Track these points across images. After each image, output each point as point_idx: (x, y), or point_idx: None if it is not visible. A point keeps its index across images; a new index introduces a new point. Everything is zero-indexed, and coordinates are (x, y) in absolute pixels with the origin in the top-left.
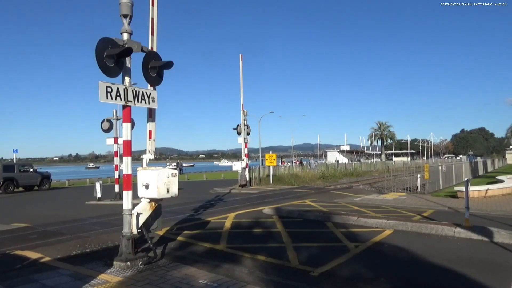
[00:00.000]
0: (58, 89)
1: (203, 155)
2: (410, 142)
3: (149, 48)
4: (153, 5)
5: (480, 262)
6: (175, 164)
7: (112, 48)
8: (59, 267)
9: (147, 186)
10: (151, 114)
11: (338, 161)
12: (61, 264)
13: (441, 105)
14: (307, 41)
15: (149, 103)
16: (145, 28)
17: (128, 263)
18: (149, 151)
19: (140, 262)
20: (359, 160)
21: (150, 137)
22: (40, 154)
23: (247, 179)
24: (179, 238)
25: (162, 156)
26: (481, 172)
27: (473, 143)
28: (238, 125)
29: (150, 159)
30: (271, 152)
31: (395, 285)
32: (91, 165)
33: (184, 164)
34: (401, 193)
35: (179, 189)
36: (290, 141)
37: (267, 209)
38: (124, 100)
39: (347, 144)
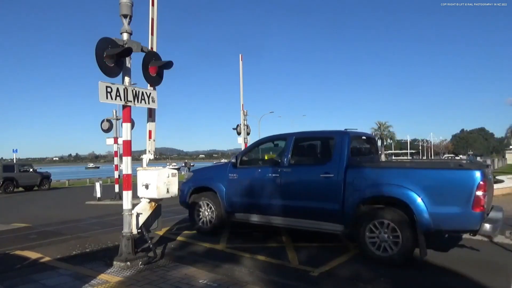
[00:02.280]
0: (58, 89)
1: (203, 155)
2: (410, 142)
3: (149, 48)
4: (153, 5)
5: (479, 262)
6: (183, 163)
7: (112, 48)
8: (59, 267)
9: (147, 186)
10: (151, 114)
11: None
12: (61, 264)
13: (441, 105)
14: (307, 41)
15: (149, 103)
16: (145, 28)
17: (128, 263)
18: (149, 151)
19: (140, 262)
20: None
21: (150, 137)
22: (40, 154)
23: None
24: (179, 238)
25: (162, 156)
26: None
27: (473, 143)
28: (238, 125)
29: (150, 159)
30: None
31: (394, 285)
32: (91, 165)
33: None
34: None
35: (179, 189)
36: None
37: None
38: (124, 100)
39: None
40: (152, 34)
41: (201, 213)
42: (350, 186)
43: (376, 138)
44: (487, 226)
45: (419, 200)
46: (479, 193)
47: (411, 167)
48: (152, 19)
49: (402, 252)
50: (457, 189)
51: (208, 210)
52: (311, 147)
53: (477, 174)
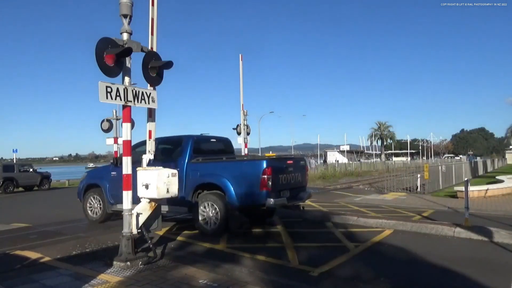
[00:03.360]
0: (58, 89)
1: None
2: (410, 142)
3: (149, 48)
4: (153, 5)
5: (480, 262)
6: None
7: (112, 48)
8: (59, 267)
9: (147, 186)
10: (151, 114)
11: (338, 161)
12: (61, 264)
13: (441, 105)
14: (307, 40)
15: (149, 103)
16: (145, 28)
17: (128, 263)
18: (149, 151)
19: (140, 262)
20: (359, 160)
21: (150, 137)
22: (40, 154)
23: None
24: (179, 238)
25: None
26: (481, 172)
27: (473, 143)
28: (238, 125)
29: (150, 159)
30: (271, 152)
31: (395, 285)
32: (91, 165)
33: None
34: (401, 193)
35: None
36: (290, 141)
37: None
38: (124, 100)
39: (347, 144)
40: (152, 34)
41: (91, 206)
42: (189, 177)
43: (229, 140)
44: (271, 200)
45: (229, 184)
46: (264, 177)
47: (225, 160)
48: (152, 19)
49: (222, 225)
50: (250, 174)
51: (97, 203)
52: (169, 148)
53: (263, 163)
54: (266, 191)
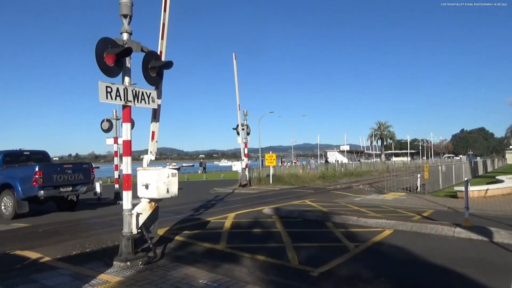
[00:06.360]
0: (58, 89)
1: (203, 155)
2: (410, 142)
3: (158, 52)
4: (165, 11)
5: (480, 262)
6: (199, 163)
7: (112, 48)
8: (59, 267)
9: (147, 186)
10: (155, 115)
11: (338, 161)
12: (61, 264)
13: (441, 105)
14: (307, 40)
15: (149, 103)
16: (145, 28)
17: (128, 263)
18: (151, 152)
19: (140, 262)
20: (359, 160)
21: (152, 138)
22: None
23: (247, 179)
24: (179, 238)
25: (162, 156)
26: (481, 172)
27: (473, 143)
28: (238, 125)
29: (151, 160)
30: (271, 152)
31: (395, 285)
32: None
33: (184, 164)
34: (401, 193)
35: (179, 189)
36: (290, 141)
37: (267, 209)
38: (124, 100)
39: (347, 144)
40: (162, 38)
41: None
42: None
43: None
44: (41, 192)
45: (17, 183)
46: (36, 176)
47: (16, 167)
48: (163, 24)
49: (13, 211)
50: (29, 175)
51: None
52: None
53: (36, 167)
54: (38, 186)
